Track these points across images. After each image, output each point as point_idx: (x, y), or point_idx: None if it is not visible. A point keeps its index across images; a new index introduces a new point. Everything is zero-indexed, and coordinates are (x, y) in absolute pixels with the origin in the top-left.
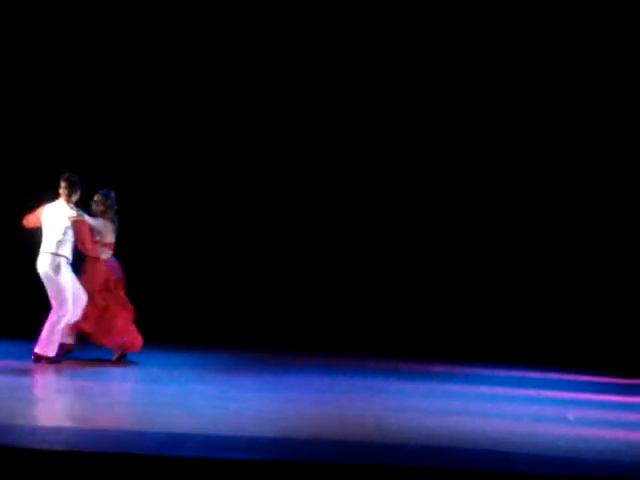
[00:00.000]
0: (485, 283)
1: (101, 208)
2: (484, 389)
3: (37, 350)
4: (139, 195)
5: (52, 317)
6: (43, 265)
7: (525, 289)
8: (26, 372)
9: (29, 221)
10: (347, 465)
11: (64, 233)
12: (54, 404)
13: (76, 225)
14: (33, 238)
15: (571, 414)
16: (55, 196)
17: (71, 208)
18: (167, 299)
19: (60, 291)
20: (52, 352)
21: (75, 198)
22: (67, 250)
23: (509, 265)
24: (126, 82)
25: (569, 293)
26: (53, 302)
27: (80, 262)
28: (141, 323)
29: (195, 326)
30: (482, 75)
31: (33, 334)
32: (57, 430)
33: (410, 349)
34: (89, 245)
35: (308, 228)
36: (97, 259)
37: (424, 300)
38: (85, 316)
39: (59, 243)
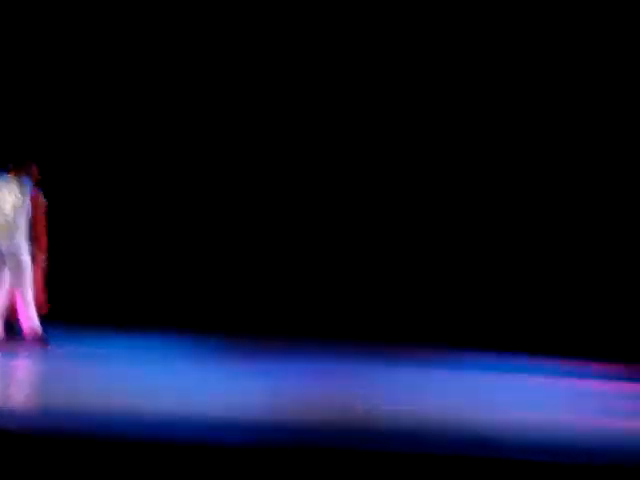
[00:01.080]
0: (486, 269)
1: None
2: (479, 376)
3: None
4: (136, 187)
5: None
6: None
7: (531, 276)
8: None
9: None
10: (334, 449)
11: None
12: (44, 387)
13: None
14: None
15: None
16: None
17: None
18: (161, 284)
19: None
20: None
21: None
22: None
23: (511, 252)
24: (119, 80)
25: (565, 280)
26: None
27: None
28: (139, 307)
29: (188, 311)
30: (482, 75)
31: None
32: (47, 412)
33: (404, 335)
34: None
35: (299, 214)
36: None
37: (423, 284)
38: None
39: None
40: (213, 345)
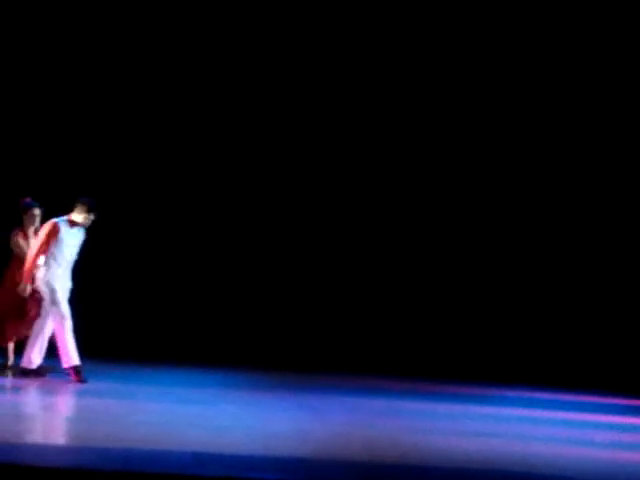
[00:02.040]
0: (518, 306)
1: None
2: (518, 411)
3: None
4: (157, 225)
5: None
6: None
7: (555, 311)
8: (48, 391)
9: None
10: None
11: None
12: (79, 423)
13: None
14: None
15: (597, 437)
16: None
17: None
18: (187, 319)
19: None
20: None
21: None
22: None
23: (540, 288)
24: (120, 83)
25: (600, 315)
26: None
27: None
28: (162, 343)
29: (216, 346)
30: (482, 75)
31: None
32: (83, 449)
33: (439, 370)
34: None
35: (326, 252)
36: None
37: (458, 321)
38: None
39: None
40: (238, 379)
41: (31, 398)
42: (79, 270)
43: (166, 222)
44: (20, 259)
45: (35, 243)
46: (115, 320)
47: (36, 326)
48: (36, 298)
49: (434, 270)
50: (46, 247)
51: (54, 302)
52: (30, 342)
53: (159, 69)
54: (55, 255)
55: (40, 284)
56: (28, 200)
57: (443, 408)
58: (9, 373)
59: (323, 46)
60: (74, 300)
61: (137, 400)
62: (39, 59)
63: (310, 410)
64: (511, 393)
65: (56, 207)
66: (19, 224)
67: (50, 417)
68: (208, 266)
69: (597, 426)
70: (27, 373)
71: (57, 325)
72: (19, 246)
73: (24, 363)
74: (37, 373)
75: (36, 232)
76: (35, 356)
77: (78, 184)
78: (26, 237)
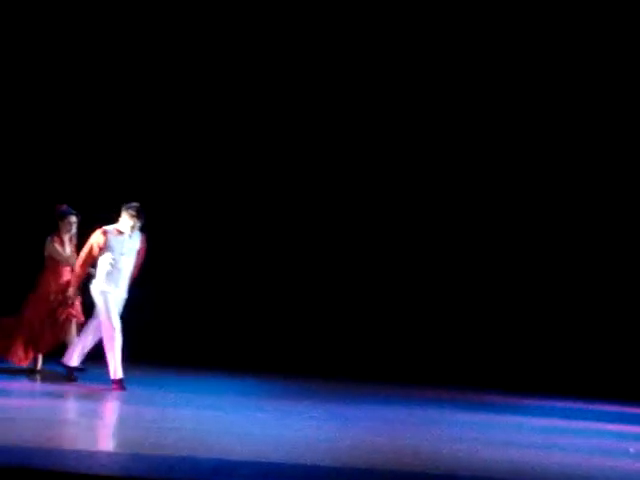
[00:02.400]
0: (541, 315)
1: None
2: (542, 421)
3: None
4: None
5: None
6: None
7: (579, 320)
8: (81, 396)
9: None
10: None
11: None
12: (109, 429)
13: None
14: None
15: (632, 447)
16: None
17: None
18: (219, 326)
19: None
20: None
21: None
22: None
23: (565, 298)
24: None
25: (624, 324)
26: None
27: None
28: (192, 350)
29: (241, 353)
30: (482, 75)
31: None
32: (113, 455)
33: (467, 379)
34: None
35: (351, 260)
36: None
37: (482, 331)
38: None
39: None
40: (263, 386)
41: (66, 404)
42: None
43: (183, 227)
44: (55, 266)
45: (82, 251)
46: (138, 326)
47: (87, 327)
48: (68, 304)
49: (458, 279)
50: (91, 255)
51: (104, 312)
52: (76, 341)
53: (160, 68)
54: (105, 264)
55: (92, 293)
56: (64, 207)
57: (466, 417)
58: (38, 377)
59: (324, 48)
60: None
61: (165, 406)
62: (72, 65)
63: (336, 419)
64: (533, 402)
65: (94, 214)
66: (53, 231)
67: (79, 423)
68: (232, 273)
69: (621, 436)
70: (67, 368)
71: (106, 336)
72: (55, 253)
73: (65, 359)
74: (70, 374)
75: (72, 239)
76: (75, 357)
77: (115, 191)
78: (62, 244)
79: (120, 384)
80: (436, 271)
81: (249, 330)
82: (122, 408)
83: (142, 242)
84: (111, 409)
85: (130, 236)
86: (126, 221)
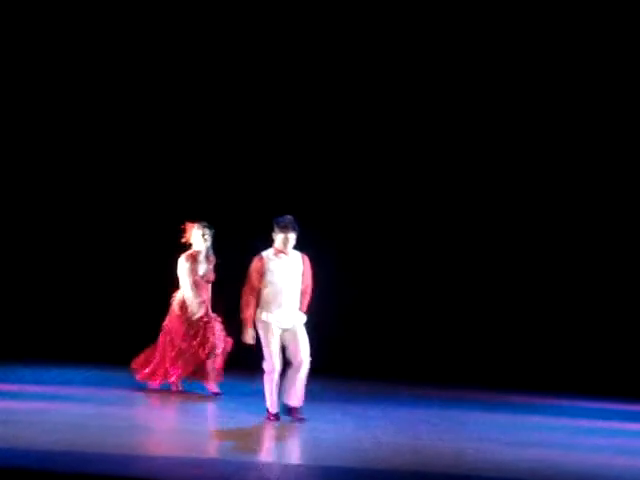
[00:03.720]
0: (563, 314)
1: None
2: (565, 421)
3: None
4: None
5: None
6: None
7: (606, 319)
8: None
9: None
10: None
11: None
12: (130, 431)
13: None
14: None
15: None
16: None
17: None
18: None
19: None
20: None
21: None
22: None
23: (588, 295)
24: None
25: None
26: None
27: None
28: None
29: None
30: (482, 75)
31: None
32: (135, 458)
33: (487, 379)
34: None
35: (375, 256)
36: None
37: (503, 330)
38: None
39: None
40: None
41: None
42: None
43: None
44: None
45: (243, 291)
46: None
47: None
48: (213, 330)
49: (477, 280)
50: (253, 288)
51: (264, 346)
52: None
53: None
54: (267, 291)
55: (257, 325)
56: (196, 222)
57: (487, 417)
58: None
59: (325, 49)
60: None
61: (188, 410)
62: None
63: (355, 419)
64: (554, 402)
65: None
66: (182, 248)
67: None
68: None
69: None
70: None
71: (266, 370)
72: (191, 272)
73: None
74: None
75: (208, 257)
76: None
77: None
78: (196, 262)
79: (275, 416)
80: (454, 270)
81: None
82: (142, 410)
83: (304, 263)
84: (133, 410)
85: (291, 254)
86: (278, 238)
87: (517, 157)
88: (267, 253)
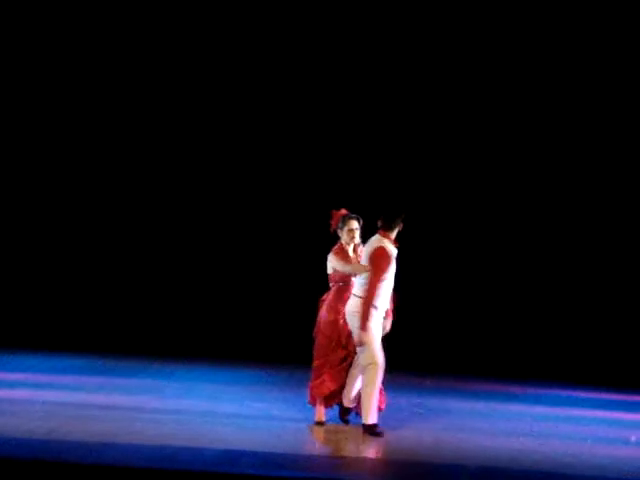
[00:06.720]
0: (543, 304)
1: None
2: (545, 410)
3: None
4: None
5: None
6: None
7: (581, 308)
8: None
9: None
10: None
11: None
12: (110, 420)
13: None
14: None
15: (634, 436)
16: None
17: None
18: (221, 315)
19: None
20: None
21: None
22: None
23: (582, 286)
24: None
25: (627, 313)
26: None
27: None
28: (194, 339)
29: (249, 343)
30: (482, 75)
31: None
32: (111, 446)
33: (469, 368)
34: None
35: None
36: None
37: (483, 319)
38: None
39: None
40: (270, 376)
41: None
42: None
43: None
44: (342, 285)
45: (368, 284)
46: (133, 316)
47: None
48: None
49: (483, 272)
50: (380, 282)
51: (364, 343)
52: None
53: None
54: (381, 287)
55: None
56: (345, 212)
57: (467, 406)
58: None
59: (325, 49)
60: None
61: (169, 398)
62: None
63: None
64: (535, 391)
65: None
66: (329, 242)
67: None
68: (237, 262)
69: (623, 424)
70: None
71: (364, 370)
72: (345, 269)
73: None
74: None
75: (355, 250)
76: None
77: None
78: (347, 257)
79: (372, 431)
80: (439, 260)
81: (252, 319)
82: (122, 399)
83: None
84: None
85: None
86: (395, 227)
87: (524, 153)
88: (386, 243)
